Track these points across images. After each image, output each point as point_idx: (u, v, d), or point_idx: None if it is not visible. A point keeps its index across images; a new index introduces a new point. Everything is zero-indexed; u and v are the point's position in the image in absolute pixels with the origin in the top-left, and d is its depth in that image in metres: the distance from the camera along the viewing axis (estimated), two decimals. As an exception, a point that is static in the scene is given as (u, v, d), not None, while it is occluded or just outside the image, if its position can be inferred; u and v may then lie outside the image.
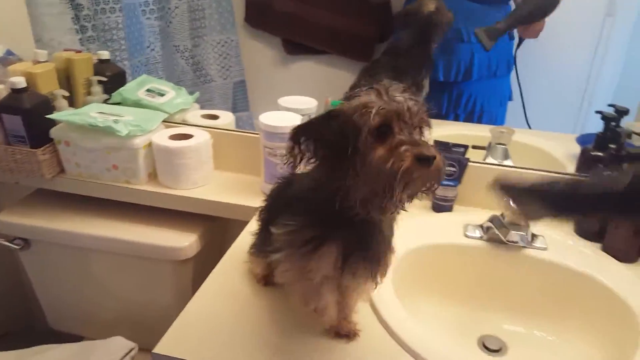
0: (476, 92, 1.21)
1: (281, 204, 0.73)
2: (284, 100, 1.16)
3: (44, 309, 1.28)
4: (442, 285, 0.98)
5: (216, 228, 1.15)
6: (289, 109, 1.12)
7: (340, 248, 0.65)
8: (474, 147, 1.17)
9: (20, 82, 1.03)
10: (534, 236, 0.98)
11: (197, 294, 0.84)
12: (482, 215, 1.00)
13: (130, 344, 1.08)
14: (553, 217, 0.57)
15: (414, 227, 1.01)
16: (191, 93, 1.33)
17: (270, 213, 0.77)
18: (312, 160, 0.60)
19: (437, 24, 1.15)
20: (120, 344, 1.10)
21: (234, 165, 1.18)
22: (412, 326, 0.76)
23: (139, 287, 1.15)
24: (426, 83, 1.20)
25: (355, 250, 0.65)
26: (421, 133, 0.60)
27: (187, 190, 1.08)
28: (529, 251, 0.96)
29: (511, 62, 1.18)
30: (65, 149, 1.08)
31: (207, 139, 1.09)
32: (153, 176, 1.11)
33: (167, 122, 1.16)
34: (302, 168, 0.62)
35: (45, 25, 1.30)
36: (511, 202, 0.61)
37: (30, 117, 1.04)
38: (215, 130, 1.17)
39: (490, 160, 1.14)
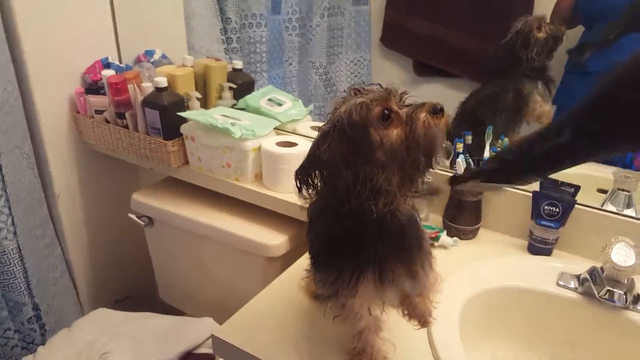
0: None
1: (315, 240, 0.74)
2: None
3: (157, 282, 1.46)
4: (521, 335, 0.91)
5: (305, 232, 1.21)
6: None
7: (376, 272, 0.64)
8: (600, 190, 1.07)
9: (162, 81, 1.19)
10: (639, 297, 0.86)
11: (264, 290, 0.91)
12: (583, 265, 0.91)
13: (217, 326, 1.19)
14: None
15: (501, 266, 0.95)
16: (319, 107, 1.42)
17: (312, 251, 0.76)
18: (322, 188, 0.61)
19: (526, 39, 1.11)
20: (208, 325, 1.21)
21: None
22: None
23: (234, 276, 1.26)
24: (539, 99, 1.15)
25: (386, 262, 0.64)
26: None
27: (285, 194, 1.15)
28: (631, 314, 0.84)
29: None
30: (190, 143, 1.23)
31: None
32: (259, 177, 1.20)
33: (279, 129, 1.25)
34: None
35: (198, 34, 1.48)
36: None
37: (166, 113, 1.20)
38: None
39: (608, 206, 1.03)
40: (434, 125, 0.57)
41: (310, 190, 0.62)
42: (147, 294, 1.49)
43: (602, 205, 1.03)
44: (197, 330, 1.20)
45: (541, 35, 1.11)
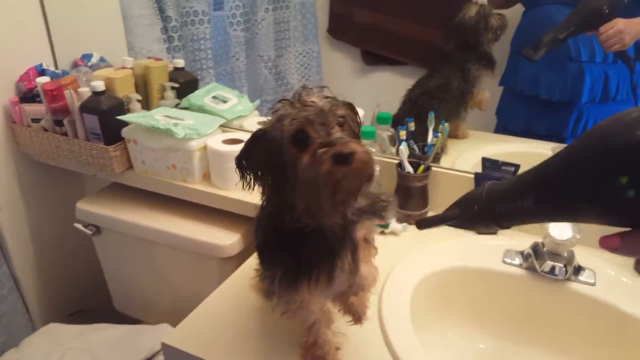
0: (587, 116, 1.11)
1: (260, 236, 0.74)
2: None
3: (111, 292, 1.43)
4: (470, 313, 0.92)
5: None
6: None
7: (318, 269, 0.64)
8: None
9: (99, 85, 1.15)
10: (580, 269, 0.89)
11: (214, 292, 0.89)
12: (528, 242, 0.94)
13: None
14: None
15: (449, 248, 0.97)
16: (270, 101, 1.41)
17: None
18: (257, 184, 0.61)
19: (481, 27, 1.14)
20: (165, 331, 1.19)
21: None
22: (424, 357, 0.72)
23: (189, 280, 1.24)
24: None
25: (328, 259, 0.64)
26: (346, 129, 0.59)
27: (234, 192, 1.14)
28: (574, 285, 0.87)
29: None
30: (133, 147, 1.20)
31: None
32: (207, 177, 1.19)
33: (225, 127, 1.23)
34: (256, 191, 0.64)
35: (137, 35, 1.45)
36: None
37: (105, 117, 1.17)
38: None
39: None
40: (335, 172, 0.54)
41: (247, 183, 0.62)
42: (102, 305, 1.46)
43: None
44: (153, 337, 1.17)
45: (495, 22, 1.14)
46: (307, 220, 0.59)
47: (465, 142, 1.25)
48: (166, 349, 0.78)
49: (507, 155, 1.05)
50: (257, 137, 0.61)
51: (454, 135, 1.24)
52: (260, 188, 0.62)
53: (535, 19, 1.12)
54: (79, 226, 1.29)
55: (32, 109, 1.26)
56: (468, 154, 1.18)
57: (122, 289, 1.41)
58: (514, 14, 1.14)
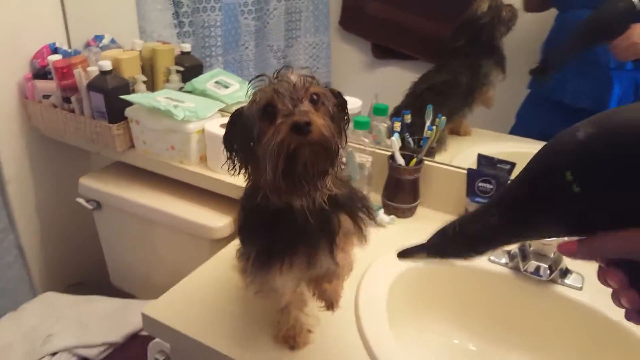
0: None
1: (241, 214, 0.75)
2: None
3: (108, 266, 1.47)
4: (448, 310, 0.92)
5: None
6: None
7: (292, 253, 0.64)
8: None
9: (106, 65, 1.18)
10: (567, 272, 0.87)
11: (197, 269, 0.91)
12: (516, 241, 0.92)
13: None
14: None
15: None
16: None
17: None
18: (239, 162, 0.61)
19: (494, 21, 1.11)
20: (155, 307, 1.22)
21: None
22: (400, 357, 0.71)
23: (182, 259, 1.26)
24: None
25: (304, 245, 0.64)
26: (319, 108, 0.58)
27: (228, 176, 1.15)
28: (560, 288, 0.86)
29: None
30: (135, 127, 1.23)
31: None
32: (204, 160, 1.21)
33: (225, 111, 1.25)
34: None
35: (149, 19, 1.47)
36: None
37: (111, 96, 1.19)
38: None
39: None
40: (291, 142, 0.53)
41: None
42: (100, 279, 1.50)
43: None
44: (142, 312, 1.20)
45: (507, 14, 1.12)
46: (274, 199, 0.60)
47: (467, 139, 1.23)
48: (145, 319, 0.81)
49: (509, 155, 1.03)
50: (235, 115, 0.61)
51: (456, 131, 1.23)
52: (242, 168, 0.62)
53: (567, 23, 1.08)
54: (81, 201, 1.33)
55: (43, 85, 1.30)
56: (468, 151, 1.16)
57: (119, 265, 1.45)
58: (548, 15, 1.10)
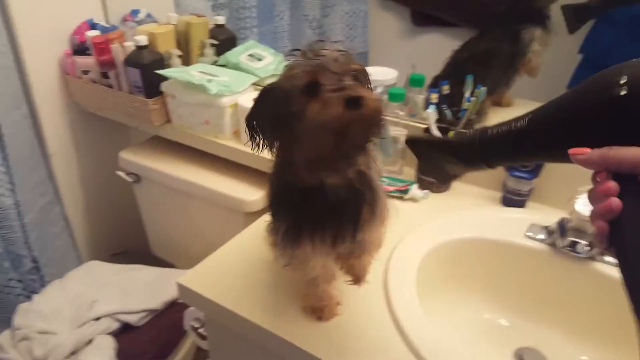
0: None
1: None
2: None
3: (148, 237, 1.51)
4: (481, 286, 0.90)
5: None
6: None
7: (322, 230, 0.64)
8: None
9: (142, 40, 1.20)
10: (607, 249, 0.84)
11: (230, 241, 0.93)
12: (557, 217, 0.89)
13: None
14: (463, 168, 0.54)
15: (470, 218, 0.94)
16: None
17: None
18: (266, 141, 0.60)
19: None
20: (192, 277, 1.25)
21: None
22: (428, 330, 0.71)
23: (217, 231, 1.29)
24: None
25: (333, 222, 0.64)
26: (357, 80, 0.57)
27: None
28: (598, 265, 0.82)
29: None
30: (171, 101, 1.24)
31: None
32: (238, 134, 1.21)
33: (258, 85, 1.24)
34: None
35: (183, -8, 1.48)
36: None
37: (147, 71, 1.21)
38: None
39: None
40: (345, 116, 0.53)
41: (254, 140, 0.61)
42: (142, 248, 1.55)
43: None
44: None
45: None
46: (307, 177, 0.59)
47: (510, 110, 1.18)
48: (180, 288, 0.84)
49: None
50: (265, 91, 0.60)
51: (497, 103, 1.18)
52: (270, 147, 0.61)
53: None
54: (121, 174, 1.37)
55: (82, 61, 1.33)
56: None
57: (158, 235, 1.49)
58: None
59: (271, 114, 0.59)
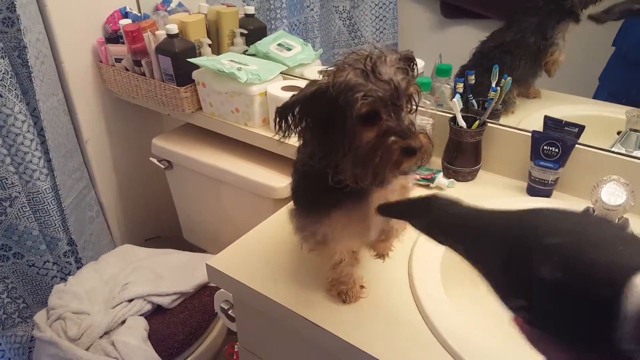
0: None
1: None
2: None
3: (180, 222, 1.55)
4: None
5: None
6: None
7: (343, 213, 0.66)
8: (619, 132, 1.02)
9: (173, 28, 1.22)
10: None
11: (257, 226, 0.95)
12: (581, 206, 0.90)
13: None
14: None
15: (496, 207, 0.94)
16: (340, 54, 1.41)
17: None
18: (301, 135, 0.62)
19: None
20: (221, 261, 1.29)
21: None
22: (453, 316, 0.73)
23: (247, 216, 1.32)
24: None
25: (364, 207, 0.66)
26: (411, 102, 0.60)
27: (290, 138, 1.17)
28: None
29: None
30: (202, 89, 1.27)
31: (313, 93, 1.17)
32: (267, 122, 1.24)
33: (286, 74, 1.26)
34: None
35: (214, -19, 1.50)
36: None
37: (178, 60, 1.24)
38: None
39: (618, 148, 0.99)
40: (401, 162, 0.57)
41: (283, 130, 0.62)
42: (175, 234, 1.59)
43: (612, 146, 0.99)
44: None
45: None
46: (350, 182, 0.61)
47: (537, 101, 1.18)
48: (210, 270, 0.87)
49: (582, 119, 0.98)
50: (320, 92, 0.59)
51: (525, 94, 1.18)
52: (302, 138, 0.63)
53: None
54: (154, 160, 1.41)
55: (115, 49, 1.37)
56: (537, 114, 1.11)
57: (190, 221, 1.53)
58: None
59: (321, 115, 0.59)
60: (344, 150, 0.58)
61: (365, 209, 0.66)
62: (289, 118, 0.61)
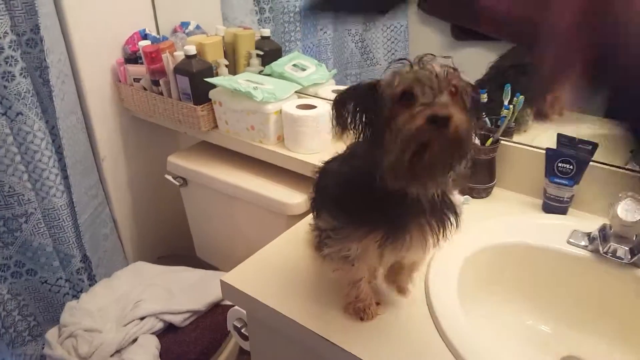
0: None
1: (324, 192, 0.78)
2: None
3: (194, 240, 1.56)
4: (525, 293, 0.90)
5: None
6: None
7: (380, 236, 0.65)
8: (632, 151, 1.03)
9: (191, 49, 1.26)
10: (651, 255, 0.83)
11: (271, 242, 0.96)
12: (597, 223, 0.89)
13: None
14: None
15: (510, 224, 0.94)
16: (355, 75, 1.44)
17: (317, 202, 0.80)
18: (355, 128, 0.61)
19: None
20: (234, 278, 1.29)
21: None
22: (469, 334, 0.71)
23: (261, 233, 1.32)
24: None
25: (394, 232, 0.64)
26: (457, 100, 0.57)
27: (304, 155, 1.19)
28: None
29: None
30: (218, 108, 1.30)
31: (327, 111, 1.18)
32: (281, 139, 1.25)
33: (301, 93, 1.28)
34: (346, 136, 0.63)
35: (232, 6, 1.53)
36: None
37: (195, 79, 1.27)
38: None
39: (632, 166, 0.99)
40: (426, 132, 0.54)
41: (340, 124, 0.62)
42: (188, 252, 1.60)
43: (627, 163, 0.99)
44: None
45: None
46: (391, 182, 0.60)
47: (552, 121, 1.18)
48: (224, 286, 0.87)
49: (596, 137, 0.98)
50: (372, 85, 0.61)
51: (540, 114, 1.18)
52: (354, 136, 0.62)
53: None
54: (169, 177, 1.43)
55: (134, 69, 1.40)
56: (551, 132, 1.12)
57: (204, 238, 1.54)
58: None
59: (370, 108, 0.60)
60: (383, 140, 0.58)
61: (402, 238, 0.65)
62: (343, 112, 0.61)
